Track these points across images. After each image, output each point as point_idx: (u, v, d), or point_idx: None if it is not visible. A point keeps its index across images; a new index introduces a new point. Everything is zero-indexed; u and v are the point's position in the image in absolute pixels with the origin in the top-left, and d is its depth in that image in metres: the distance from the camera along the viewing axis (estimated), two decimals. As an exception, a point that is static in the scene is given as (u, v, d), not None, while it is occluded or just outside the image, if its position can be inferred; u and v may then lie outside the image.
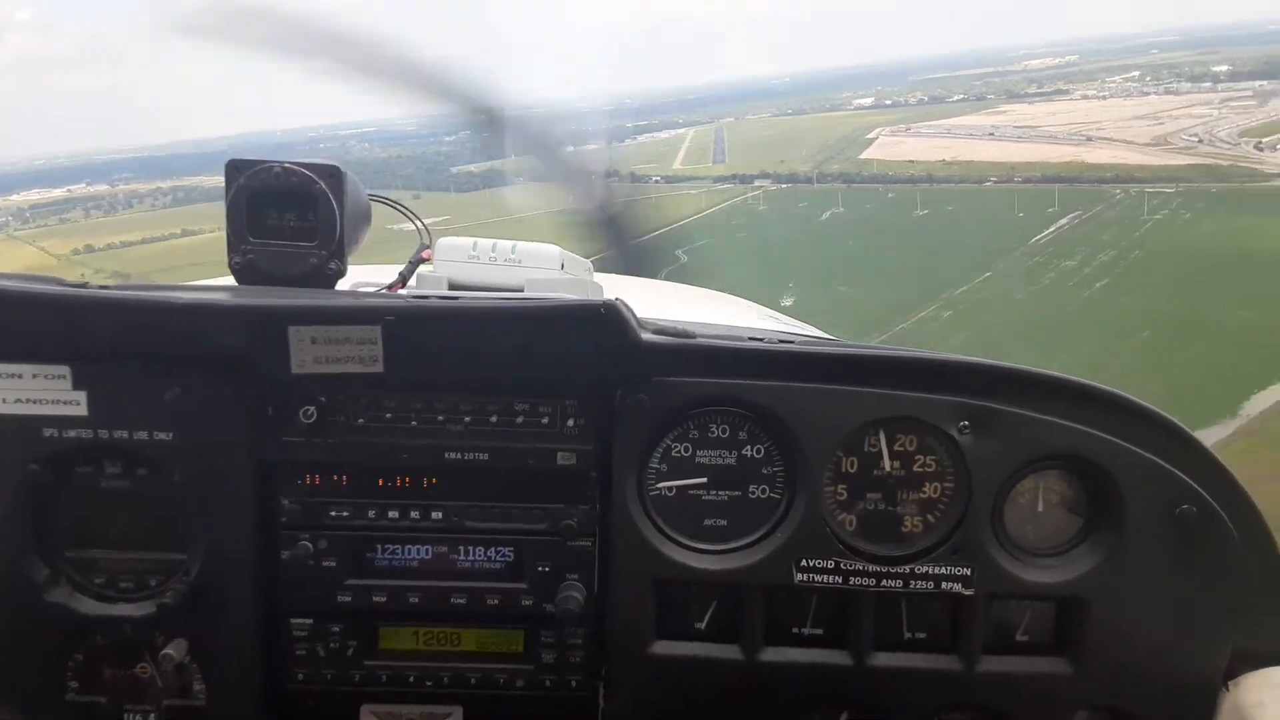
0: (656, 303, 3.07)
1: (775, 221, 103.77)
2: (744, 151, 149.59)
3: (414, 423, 1.89)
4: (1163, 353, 54.75)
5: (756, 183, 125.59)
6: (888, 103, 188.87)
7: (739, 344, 1.88)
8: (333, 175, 1.90)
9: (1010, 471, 1.89)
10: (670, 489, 1.93)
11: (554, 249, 2.07)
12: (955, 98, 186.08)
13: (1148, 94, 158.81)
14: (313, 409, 1.86)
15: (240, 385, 1.86)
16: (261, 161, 1.89)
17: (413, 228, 2.58)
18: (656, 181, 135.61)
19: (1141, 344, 56.35)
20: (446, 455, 1.90)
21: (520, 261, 2.01)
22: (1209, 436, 44.30)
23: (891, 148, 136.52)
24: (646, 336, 1.81)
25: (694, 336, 1.86)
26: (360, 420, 1.89)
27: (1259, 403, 45.99)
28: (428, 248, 2.15)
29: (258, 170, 1.88)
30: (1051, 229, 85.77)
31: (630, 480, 1.90)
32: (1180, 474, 1.86)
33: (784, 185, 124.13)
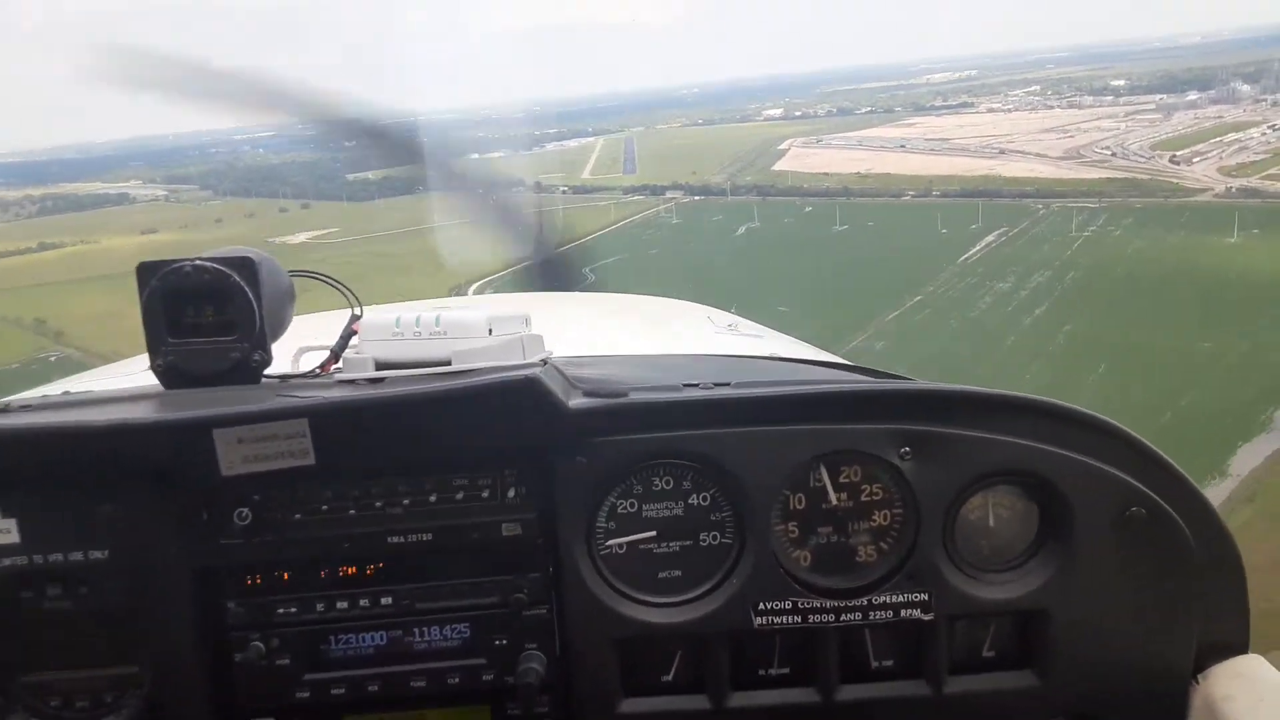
0: (605, 323, 3.32)
1: (690, 236, 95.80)
2: (655, 162, 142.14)
3: (352, 511, 1.82)
4: (1126, 391, 48.05)
5: (668, 194, 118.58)
6: (797, 114, 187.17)
7: (673, 397, 1.83)
8: (245, 266, 1.82)
9: (956, 492, 1.83)
10: (620, 546, 1.87)
11: (479, 315, 1.91)
12: (863, 109, 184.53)
13: (1052, 107, 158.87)
14: (246, 510, 1.79)
15: (171, 494, 1.79)
16: (171, 262, 1.81)
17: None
18: (564, 192, 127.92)
19: (1100, 380, 49.58)
20: (389, 540, 1.82)
21: (445, 333, 1.88)
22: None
23: (804, 159, 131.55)
24: (575, 403, 1.77)
25: (626, 395, 1.81)
26: (297, 515, 1.82)
27: (1247, 458, 39.30)
28: (359, 318, 1.99)
29: (168, 271, 1.81)
30: (979, 246, 79.63)
31: (578, 543, 1.85)
32: (1126, 477, 1.81)
33: (696, 197, 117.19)
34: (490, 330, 1.91)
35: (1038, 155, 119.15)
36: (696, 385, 1.86)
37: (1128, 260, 70.55)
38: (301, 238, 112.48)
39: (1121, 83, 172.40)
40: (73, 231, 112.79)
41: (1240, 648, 1.89)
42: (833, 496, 1.85)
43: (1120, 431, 1.82)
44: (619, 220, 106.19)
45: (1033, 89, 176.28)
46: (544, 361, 1.88)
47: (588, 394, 1.81)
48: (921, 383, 2.01)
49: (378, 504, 1.80)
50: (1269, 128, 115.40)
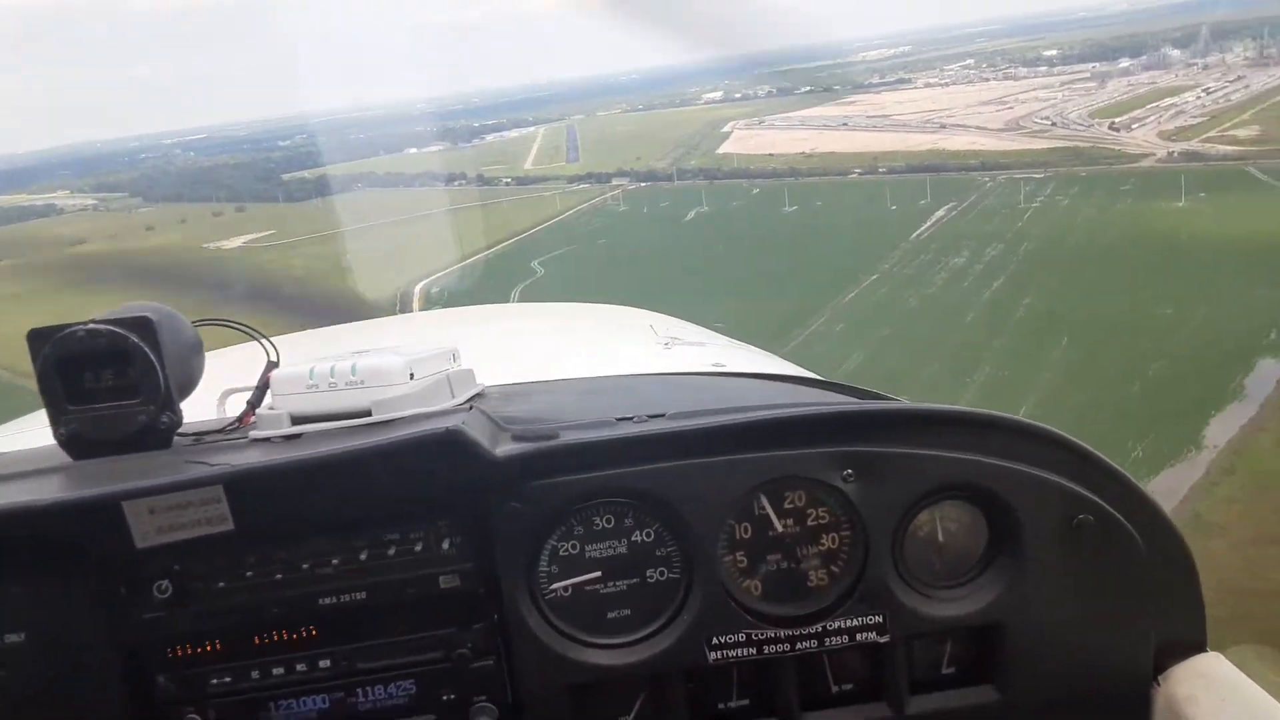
0: (543, 341, 3.30)
1: (638, 222, 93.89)
2: (598, 149, 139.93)
3: (279, 575, 1.75)
4: (1091, 362, 47.16)
5: (614, 181, 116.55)
6: (737, 96, 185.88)
7: (605, 435, 1.79)
8: (143, 326, 1.74)
9: (902, 511, 1.82)
10: (565, 589, 1.82)
11: (398, 361, 1.82)
12: (802, 89, 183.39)
13: (988, 79, 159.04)
14: (166, 582, 1.72)
15: (85, 570, 1.72)
16: (63, 327, 1.73)
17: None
18: (507, 183, 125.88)
19: (1064, 354, 48.65)
20: (321, 601, 1.76)
21: (363, 382, 1.80)
22: (1182, 479, 36.93)
23: (747, 141, 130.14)
24: (503, 450, 1.72)
25: (556, 436, 1.77)
26: (221, 583, 1.75)
27: (1221, 427, 38.45)
28: (275, 365, 1.92)
29: (61, 337, 1.73)
30: (930, 222, 78.78)
31: (521, 590, 1.80)
32: (1071, 484, 1.81)
33: (643, 184, 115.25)
34: (411, 375, 1.84)
35: (979, 128, 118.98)
36: (630, 419, 1.83)
37: (1078, 230, 69.99)
38: (238, 242, 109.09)
39: (1054, 53, 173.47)
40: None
41: (1198, 646, 1.90)
42: (777, 524, 1.82)
43: (1061, 439, 1.82)
44: (565, 210, 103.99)
45: (967, 63, 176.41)
46: (470, 405, 1.85)
47: (516, 438, 1.77)
48: (859, 401, 2.03)
49: (305, 565, 1.74)
50: (1202, 91, 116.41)
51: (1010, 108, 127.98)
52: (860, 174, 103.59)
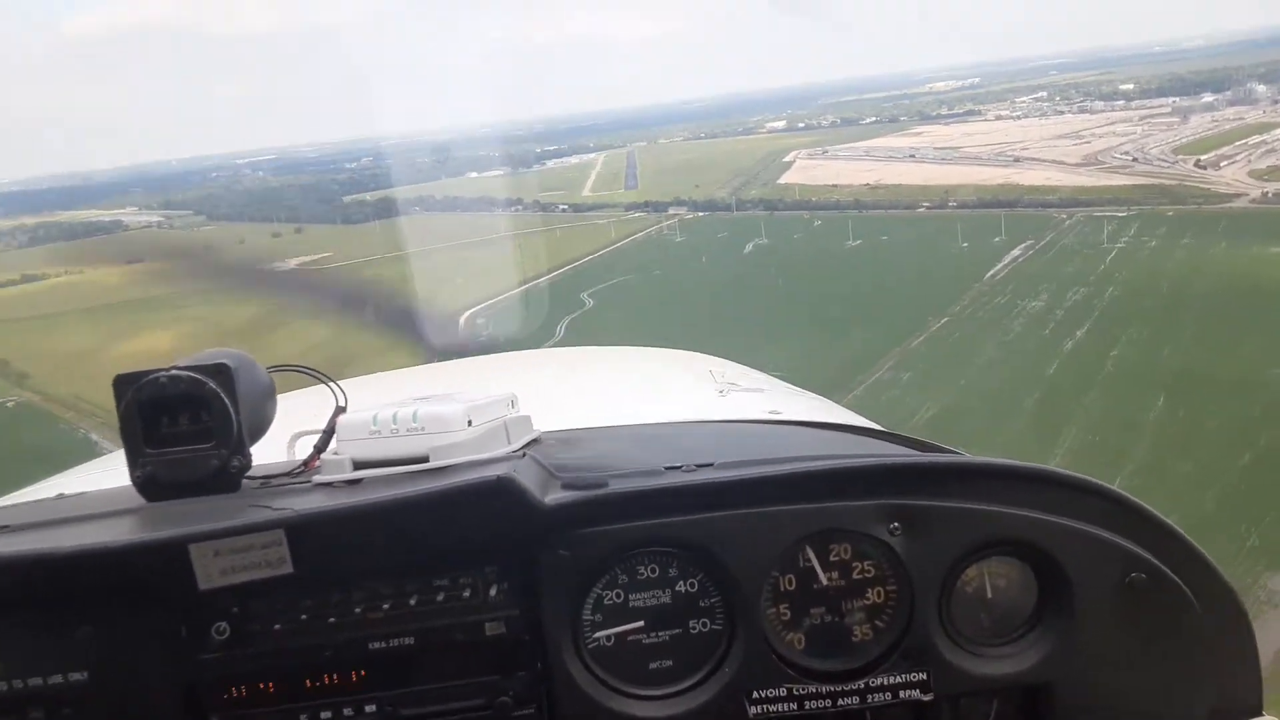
0: (600, 386, 3.37)
1: (694, 254, 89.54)
2: (657, 176, 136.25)
3: (332, 619, 1.79)
4: (1193, 427, 41.48)
5: (671, 210, 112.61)
6: (800, 126, 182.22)
7: (653, 484, 1.81)
8: (221, 372, 1.82)
9: (949, 566, 1.80)
10: (608, 638, 1.82)
11: (457, 408, 1.88)
12: (868, 120, 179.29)
13: (1063, 113, 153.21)
14: (225, 624, 1.77)
15: (149, 611, 1.77)
16: (147, 373, 1.82)
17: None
18: (563, 210, 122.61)
19: (1161, 416, 43.05)
20: (370, 646, 1.79)
21: (423, 428, 1.86)
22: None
23: (810, 171, 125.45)
24: (552, 499, 1.75)
25: (606, 485, 1.79)
26: (277, 625, 1.79)
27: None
28: (343, 410, 1.98)
29: (144, 383, 1.82)
30: (1005, 261, 73.23)
31: (565, 638, 1.81)
32: (1125, 542, 1.78)
33: (700, 213, 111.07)
34: (469, 421, 1.88)
35: (1054, 162, 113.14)
36: (679, 468, 1.84)
37: (1170, 274, 63.91)
38: (293, 264, 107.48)
39: (1130, 86, 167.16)
40: (63, 260, 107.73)
41: (1254, 710, 1.85)
42: (822, 577, 1.80)
43: (1115, 494, 1.79)
44: (619, 239, 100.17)
45: (1040, 95, 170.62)
46: (524, 452, 1.88)
47: (566, 485, 1.79)
48: (909, 452, 2.02)
49: (358, 609, 1.77)
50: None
51: (1087, 142, 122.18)
52: (929, 208, 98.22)
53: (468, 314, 68.07)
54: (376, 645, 1.75)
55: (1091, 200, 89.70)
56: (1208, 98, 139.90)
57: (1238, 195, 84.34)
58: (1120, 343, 52.50)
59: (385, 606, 1.75)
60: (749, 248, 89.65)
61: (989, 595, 1.79)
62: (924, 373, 52.12)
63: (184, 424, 1.81)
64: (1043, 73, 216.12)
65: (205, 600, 1.70)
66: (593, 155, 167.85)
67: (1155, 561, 1.75)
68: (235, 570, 1.65)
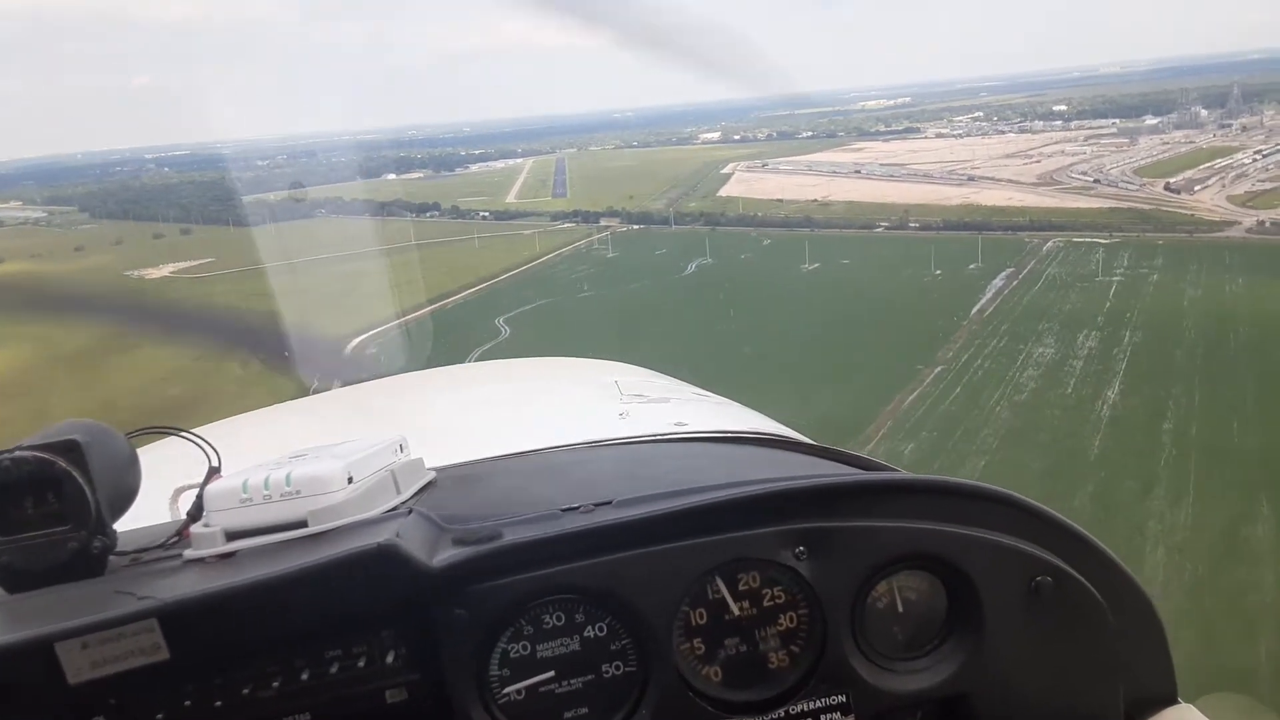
0: (500, 410, 3.16)
1: (628, 273, 75.42)
2: (587, 184, 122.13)
3: (219, 703, 1.66)
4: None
5: (603, 221, 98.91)
6: (736, 138, 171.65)
7: (550, 532, 1.72)
8: (71, 450, 1.68)
9: (857, 585, 1.75)
10: (519, 692, 1.73)
11: (335, 465, 1.75)
12: (804, 134, 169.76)
13: (1004, 131, 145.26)
14: (102, 718, 1.64)
15: (15, 712, 1.62)
16: None
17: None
18: (484, 217, 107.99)
19: (1271, 523, 30.19)
20: None
21: (299, 492, 1.73)
22: None
23: (752, 184, 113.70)
24: (440, 560, 1.64)
25: (499, 536, 1.70)
26: (159, 715, 1.66)
27: None
28: (217, 470, 1.84)
29: None
30: (989, 294, 60.72)
31: (472, 697, 1.71)
32: (1029, 547, 1.75)
33: (635, 226, 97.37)
34: (350, 479, 1.75)
35: (1010, 181, 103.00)
36: (576, 508, 1.76)
37: (1195, 316, 51.87)
38: (166, 270, 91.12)
39: (1063, 108, 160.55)
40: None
41: (1169, 699, 1.84)
42: (733, 607, 1.74)
43: (1015, 500, 1.75)
44: (545, 253, 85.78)
45: (976, 115, 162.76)
46: (409, 508, 1.76)
47: (457, 541, 1.69)
48: (815, 464, 1.98)
49: (245, 690, 1.64)
50: (1256, 153, 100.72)
51: (1037, 161, 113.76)
52: (888, 227, 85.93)
53: (356, 341, 53.30)
54: None
55: (1065, 224, 78.47)
56: (1151, 120, 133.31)
57: (1228, 223, 73.70)
58: (1171, 411, 39.87)
59: (275, 684, 1.63)
60: (691, 268, 76.16)
61: (900, 610, 1.76)
62: (930, 446, 38.82)
63: (39, 508, 1.66)
64: (973, 94, 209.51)
65: (79, 694, 1.56)
66: (520, 160, 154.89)
67: (1059, 563, 1.73)
68: (107, 661, 1.53)
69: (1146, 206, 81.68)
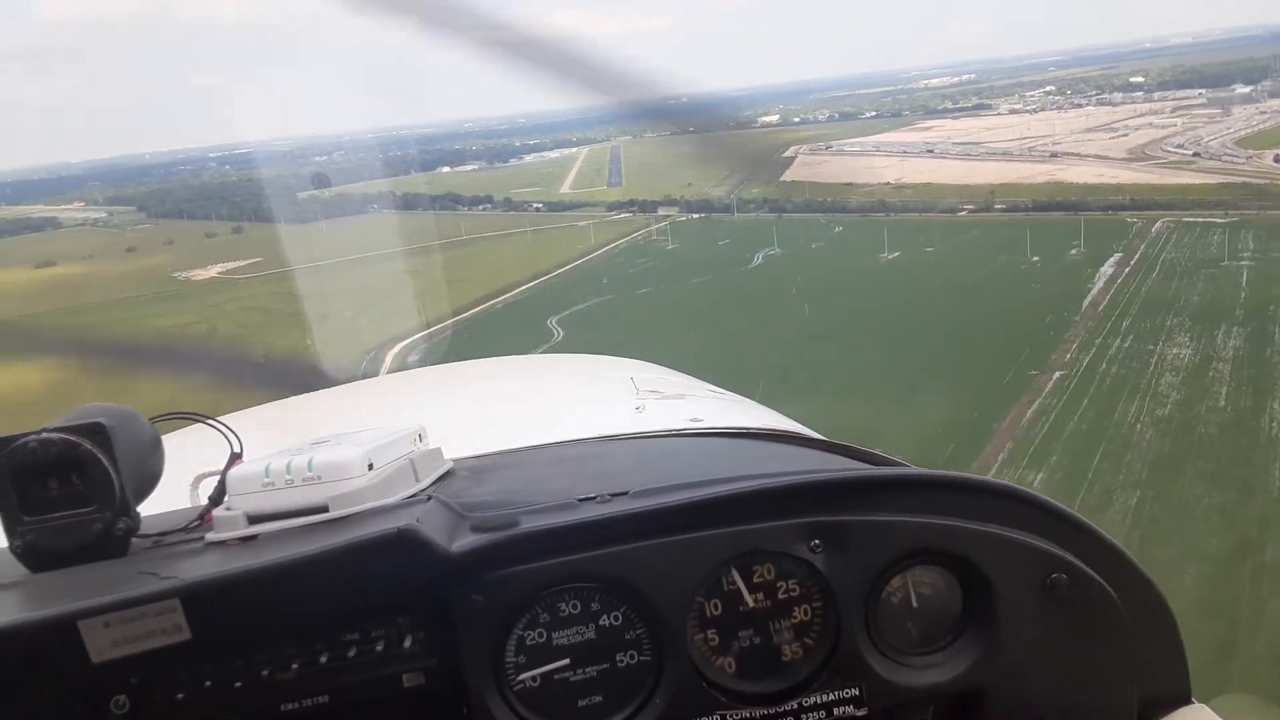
0: (515, 406, 3.19)
1: (690, 266, 68.78)
2: (644, 173, 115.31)
3: (238, 683, 1.66)
4: None
5: (661, 210, 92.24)
6: (795, 120, 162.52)
7: (566, 520, 1.73)
8: (96, 432, 1.69)
9: (872, 579, 1.75)
10: (534, 679, 1.72)
11: (356, 452, 1.77)
12: (868, 114, 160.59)
13: (1081, 105, 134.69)
14: (123, 697, 1.63)
15: (39, 689, 1.63)
16: (14, 438, 1.67)
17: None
18: (537, 209, 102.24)
19: None
20: (283, 708, 1.67)
21: (320, 477, 1.74)
22: None
23: (816, 168, 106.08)
24: (458, 545, 1.65)
25: (516, 524, 1.71)
26: (180, 695, 1.66)
27: None
28: (239, 455, 1.85)
29: (13, 449, 1.67)
30: (1100, 283, 52.85)
31: (488, 683, 1.70)
32: (1044, 544, 1.74)
33: (695, 215, 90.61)
34: (370, 465, 1.76)
35: (1097, 157, 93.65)
36: (594, 498, 1.76)
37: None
38: (214, 271, 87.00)
39: (1141, 79, 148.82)
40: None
41: (1183, 698, 1.81)
42: (748, 599, 1.74)
43: (1030, 496, 1.74)
44: (600, 245, 79.63)
45: (1049, 89, 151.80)
46: (429, 494, 1.76)
47: (475, 528, 1.69)
48: (832, 460, 1.98)
49: (264, 672, 1.65)
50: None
51: (1124, 135, 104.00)
52: (972, 211, 77.87)
53: (394, 351, 47.79)
54: (289, 707, 1.63)
55: (1171, 202, 69.71)
56: (1242, 88, 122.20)
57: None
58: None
59: (294, 666, 1.63)
60: (758, 259, 69.35)
61: (914, 605, 1.75)
62: (1065, 476, 31.65)
63: (64, 489, 1.67)
64: (1041, 69, 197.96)
65: (101, 673, 1.55)
66: (574, 150, 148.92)
67: (1074, 561, 1.72)
68: (129, 641, 1.53)
69: (1260, 181, 72.50)
